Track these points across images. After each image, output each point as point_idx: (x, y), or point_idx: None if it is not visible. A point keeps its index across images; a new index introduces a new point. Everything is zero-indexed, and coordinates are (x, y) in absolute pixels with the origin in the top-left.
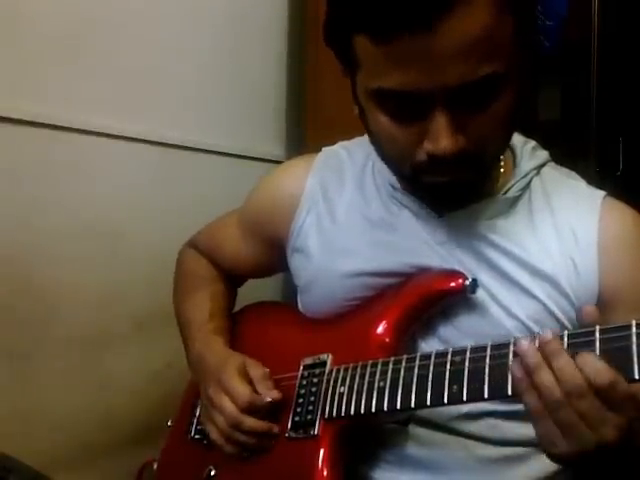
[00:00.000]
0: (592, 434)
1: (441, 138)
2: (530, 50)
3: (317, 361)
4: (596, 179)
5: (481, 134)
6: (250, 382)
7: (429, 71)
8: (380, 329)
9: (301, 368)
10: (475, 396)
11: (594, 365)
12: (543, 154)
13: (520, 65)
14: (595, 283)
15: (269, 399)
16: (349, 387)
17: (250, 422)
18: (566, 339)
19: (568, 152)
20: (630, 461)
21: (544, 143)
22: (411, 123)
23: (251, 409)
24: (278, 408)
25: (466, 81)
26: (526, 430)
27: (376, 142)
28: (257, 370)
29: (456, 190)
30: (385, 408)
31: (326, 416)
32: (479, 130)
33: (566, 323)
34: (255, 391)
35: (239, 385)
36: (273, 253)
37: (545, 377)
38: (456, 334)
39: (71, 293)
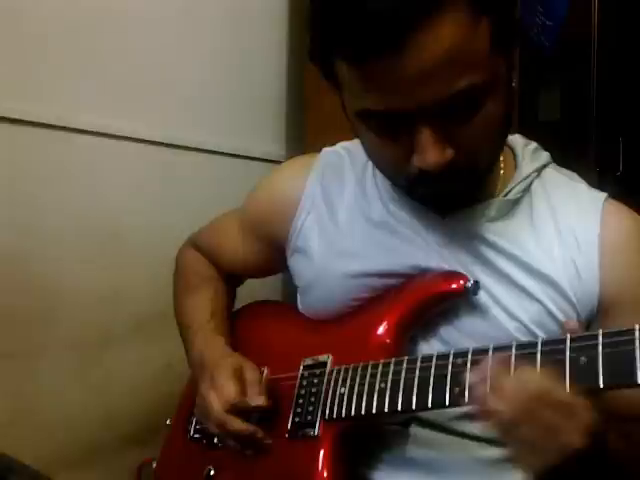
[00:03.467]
0: (553, 444)
1: (428, 152)
2: (511, 53)
3: (317, 362)
4: (596, 179)
5: (470, 144)
6: (243, 384)
7: (403, 90)
8: (381, 330)
9: (301, 368)
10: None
11: (530, 376)
12: (544, 156)
13: (502, 70)
14: (596, 285)
15: (254, 403)
16: (349, 388)
17: (235, 424)
18: (569, 343)
19: (568, 152)
20: (607, 467)
21: (544, 143)
22: (399, 138)
23: (235, 410)
24: (277, 409)
25: (441, 97)
26: None
27: (369, 157)
28: (252, 374)
29: (451, 199)
30: (386, 409)
31: (326, 417)
32: (467, 140)
33: None
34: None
35: (228, 385)
36: (272, 253)
37: (493, 402)
38: (457, 335)
39: (71, 293)
